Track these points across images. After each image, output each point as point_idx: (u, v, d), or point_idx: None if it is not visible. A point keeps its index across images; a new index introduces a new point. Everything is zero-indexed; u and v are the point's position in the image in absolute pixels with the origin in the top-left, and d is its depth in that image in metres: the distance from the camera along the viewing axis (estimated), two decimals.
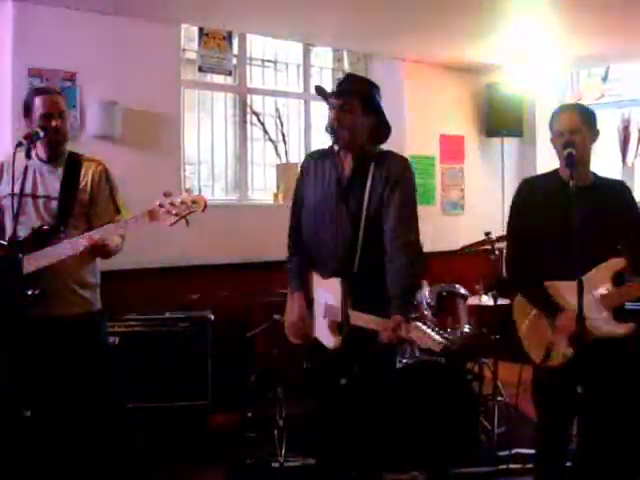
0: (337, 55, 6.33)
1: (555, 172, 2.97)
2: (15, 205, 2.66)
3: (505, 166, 6.84)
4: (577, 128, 2.77)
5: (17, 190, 2.71)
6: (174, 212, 2.62)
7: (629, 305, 2.88)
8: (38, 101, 2.91)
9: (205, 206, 2.65)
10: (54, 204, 2.93)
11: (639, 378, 3.02)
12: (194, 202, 2.62)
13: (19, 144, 2.74)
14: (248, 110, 5.60)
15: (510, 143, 6.90)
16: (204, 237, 4.58)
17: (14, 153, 2.77)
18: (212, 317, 4.38)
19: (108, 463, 3.00)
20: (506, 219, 3.09)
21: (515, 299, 2.98)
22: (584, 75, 6.85)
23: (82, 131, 4.62)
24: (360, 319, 2.55)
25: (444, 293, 4.43)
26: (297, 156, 5.94)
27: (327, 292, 2.70)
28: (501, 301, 4.25)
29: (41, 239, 2.84)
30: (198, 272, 4.94)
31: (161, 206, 2.64)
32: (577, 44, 5.67)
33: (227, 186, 5.73)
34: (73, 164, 3.01)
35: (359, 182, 2.73)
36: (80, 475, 3.11)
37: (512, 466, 3.74)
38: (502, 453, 3.90)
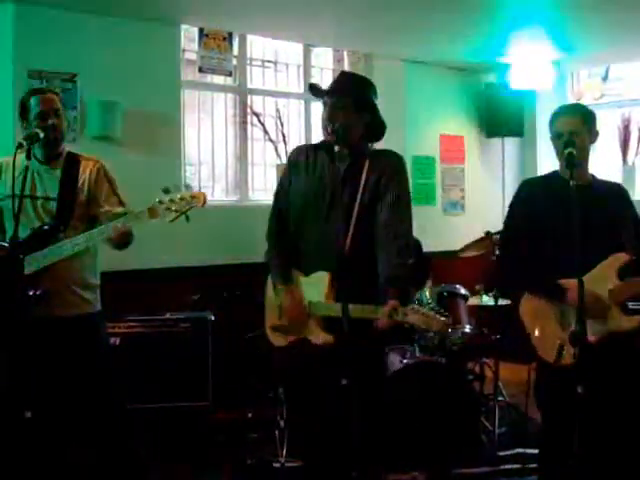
0: (337, 55, 6.32)
1: (555, 173, 2.99)
2: (15, 206, 2.66)
3: (505, 166, 6.83)
4: (576, 130, 2.79)
5: (17, 191, 2.72)
6: (174, 208, 2.62)
7: (632, 304, 2.87)
8: (33, 101, 2.92)
9: (205, 201, 2.65)
10: (53, 205, 2.93)
11: None
12: (194, 197, 2.62)
13: (19, 145, 2.75)
14: (248, 111, 5.59)
15: (510, 143, 6.90)
16: (205, 237, 4.59)
17: (14, 154, 2.77)
18: (212, 318, 4.38)
19: (108, 464, 3.00)
20: None
21: (522, 300, 2.91)
22: (584, 75, 6.85)
23: (82, 132, 4.63)
24: (352, 311, 2.52)
25: (445, 293, 4.43)
26: None
27: (312, 289, 2.72)
28: (502, 301, 4.24)
29: (41, 239, 2.84)
30: (198, 272, 4.95)
31: (161, 202, 2.65)
32: (578, 43, 5.67)
33: (227, 186, 5.73)
34: (71, 164, 3.01)
35: (353, 178, 2.73)
36: (80, 476, 3.10)
37: (513, 466, 3.74)
38: (503, 453, 3.91)
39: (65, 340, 2.88)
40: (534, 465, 3.38)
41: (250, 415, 4.38)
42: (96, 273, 3.09)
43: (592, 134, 2.86)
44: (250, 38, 5.67)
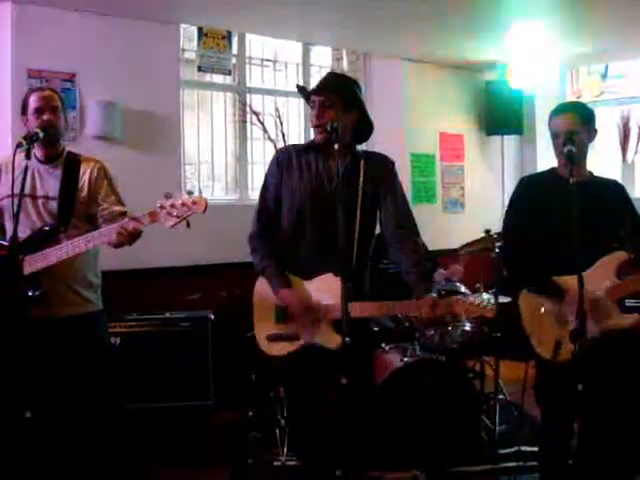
0: (336, 54, 6.32)
1: (553, 170, 3.02)
2: (14, 205, 2.66)
3: (505, 164, 6.84)
4: (574, 127, 2.82)
5: (17, 191, 2.72)
6: (175, 214, 2.61)
7: (629, 302, 2.91)
8: (32, 97, 2.95)
9: (206, 207, 2.62)
10: (53, 204, 2.94)
11: None
12: (195, 203, 2.61)
13: (19, 145, 2.74)
14: (248, 110, 5.59)
15: (510, 141, 6.90)
16: (204, 237, 4.58)
17: (14, 154, 2.77)
18: (212, 317, 4.38)
19: (108, 463, 3.00)
20: None
21: (520, 297, 2.95)
22: (584, 72, 6.85)
23: (82, 132, 4.63)
24: (380, 308, 2.55)
25: (444, 291, 4.42)
26: None
27: (319, 292, 2.67)
28: (502, 299, 4.24)
29: (41, 239, 2.84)
30: (198, 272, 4.95)
31: (162, 208, 2.63)
32: (577, 41, 5.67)
33: (227, 186, 5.73)
34: (72, 164, 3.01)
35: (351, 178, 2.72)
36: (80, 475, 3.10)
37: (513, 464, 3.75)
38: (503, 451, 3.91)
39: (66, 339, 2.89)
40: (534, 463, 3.38)
41: (251, 414, 4.37)
42: (97, 272, 3.09)
43: (590, 132, 2.88)
44: (249, 37, 5.67)
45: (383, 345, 4.01)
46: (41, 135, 2.82)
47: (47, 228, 2.88)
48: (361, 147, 2.94)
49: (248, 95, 5.67)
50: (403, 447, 3.63)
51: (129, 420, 3.13)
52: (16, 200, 2.66)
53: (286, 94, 5.94)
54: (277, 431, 4.02)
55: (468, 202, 6.75)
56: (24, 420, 2.74)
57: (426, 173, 6.45)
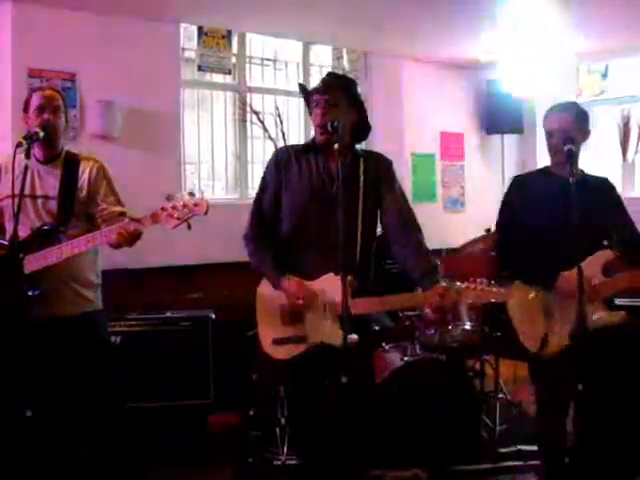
0: (336, 53, 6.32)
1: (545, 169, 3.08)
2: (15, 205, 2.67)
3: (505, 163, 6.83)
4: (567, 127, 2.87)
5: (17, 190, 2.72)
6: (176, 215, 2.61)
7: (618, 300, 3.05)
8: (34, 96, 2.95)
9: (207, 209, 2.61)
10: (53, 204, 2.94)
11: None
12: (196, 205, 2.60)
13: (19, 144, 2.75)
14: (248, 109, 5.59)
15: (510, 140, 6.89)
16: (205, 236, 4.57)
17: (14, 153, 2.77)
18: (213, 316, 4.38)
19: (108, 462, 3.00)
20: None
21: (513, 288, 2.95)
22: (584, 71, 6.84)
23: (82, 131, 4.63)
24: (385, 303, 2.58)
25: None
26: None
27: (324, 291, 2.67)
28: None
29: (42, 239, 2.84)
30: (199, 271, 4.95)
31: (163, 209, 2.63)
32: (577, 40, 5.66)
33: (227, 185, 5.74)
34: (71, 163, 3.01)
35: (351, 178, 2.73)
36: (81, 475, 3.11)
37: (513, 463, 3.75)
38: (503, 450, 3.91)
39: (66, 339, 2.89)
40: (534, 462, 3.39)
41: (251, 413, 4.38)
42: (97, 271, 3.09)
43: (583, 133, 2.92)
44: (249, 36, 5.67)
45: (383, 344, 4.02)
46: (41, 135, 2.82)
47: (47, 227, 2.88)
48: (359, 146, 2.94)
49: (248, 94, 5.67)
50: (404, 446, 3.63)
51: (129, 419, 3.13)
52: (16, 200, 2.67)
53: (286, 93, 5.94)
54: (277, 430, 4.02)
55: (468, 201, 6.75)
56: (24, 419, 2.74)
57: (426, 172, 6.45)
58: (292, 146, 2.97)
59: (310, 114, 2.84)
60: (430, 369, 3.81)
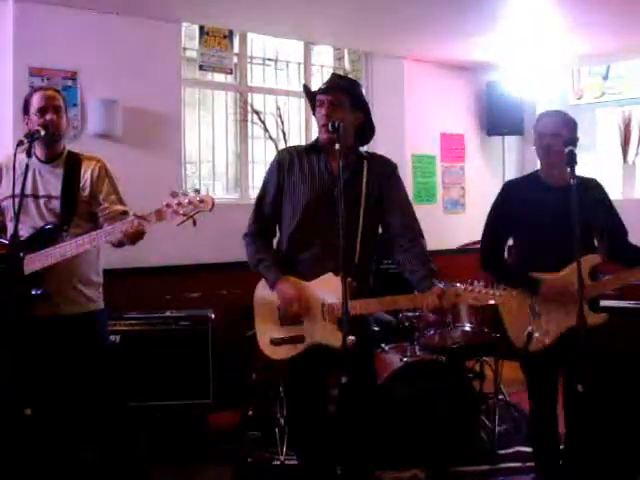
0: (338, 53, 6.33)
1: (535, 173, 3.20)
2: (16, 205, 2.67)
3: (506, 165, 6.82)
4: (557, 131, 2.98)
5: (18, 190, 2.72)
6: (181, 212, 2.62)
7: (603, 302, 3.21)
8: (35, 97, 2.95)
9: (213, 205, 2.61)
10: (55, 203, 2.94)
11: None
12: (201, 201, 2.60)
13: (20, 143, 2.75)
14: (249, 109, 5.59)
15: (511, 141, 6.89)
16: (205, 236, 4.57)
17: (15, 152, 2.77)
18: (213, 316, 4.38)
19: (109, 462, 3.00)
20: None
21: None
22: (585, 73, 6.84)
23: (83, 130, 4.63)
24: (383, 303, 2.59)
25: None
26: None
27: (321, 292, 2.67)
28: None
29: (44, 238, 2.84)
30: (199, 270, 4.94)
31: (168, 206, 2.63)
32: (578, 42, 5.67)
33: (228, 185, 5.74)
34: (73, 163, 3.01)
35: (355, 179, 2.73)
36: (81, 474, 3.11)
37: (513, 464, 3.75)
38: (503, 451, 3.92)
39: (68, 337, 2.90)
40: (533, 463, 3.39)
41: (250, 413, 4.38)
42: (99, 270, 3.10)
43: (571, 139, 2.97)
44: (250, 36, 5.67)
45: (383, 345, 4.02)
46: (42, 133, 2.82)
47: (49, 227, 2.88)
48: (363, 149, 2.94)
49: (249, 94, 5.67)
50: (403, 447, 3.63)
51: (129, 418, 3.13)
52: (17, 199, 2.67)
53: (287, 93, 5.94)
54: (277, 430, 4.02)
55: (469, 203, 6.75)
56: (24, 418, 2.74)
57: (427, 173, 6.44)
58: (295, 147, 2.97)
59: (314, 114, 2.85)
60: (430, 370, 3.81)
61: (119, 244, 2.81)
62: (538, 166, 3.23)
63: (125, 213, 2.93)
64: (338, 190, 2.54)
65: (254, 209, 2.89)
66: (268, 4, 4.67)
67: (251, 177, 5.69)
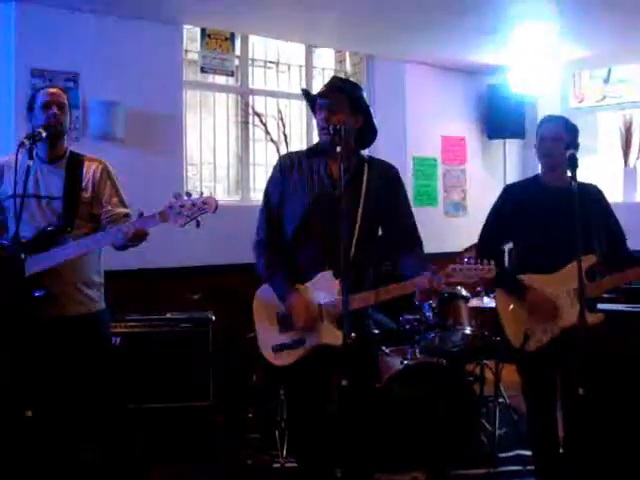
0: (339, 56, 6.33)
1: (536, 177, 3.26)
2: (17, 205, 2.67)
3: (507, 168, 6.83)
4: (559, 135, 3.05)
5: (19, 191, 2.73)
6: (185, 213, 2.61)
7: (600, 306, 3.27)
8: (40, 92, 2.97)
9: (216, 207, 2.60)
10: (57, 204, 2.94)
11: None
12: (205, 203, 2.60)
13: (21, 144, 2.75)
14: (250, 111, 5.60)
15: (512, 145, 6.90)
16: (206, 238, 4.58)
17: (16, 153, 2.77)
18: (213, 318, 4.38)
19: (109, 463, 3.00)
20: None
21: (497, 295, 3.25)
22: (586, 76, 6.85)
23: (84, 131, 4.63)
24: (377, 295, 2.61)
25: (445, 295, 4.42)
26: None
27: (319, 293, 2.67)
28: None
29: (47, 240, 2.84)
30: (200, 273, 4.95)
31: (171, 207, 2.63)
32: (579, 45, 5.67)
33: (229, 187, 5.74)
34: (75, 164, 3.01)
35: (355, 182, 2.72)
36: (81, 475, 3.10)
37: (513, 468, 3.75)
38: (503, 454, 3.91)
39: (70, 338, 2.89)
40: (534, 467, 3.39)
41: (250, 415, 4.38)
42: (100, 271, 3.10)
43: (572, 144, 3.02)
44: (252, 38, 5.68)
45: (384, 348, 4.02)
46: (44, 135, 2.83)
47: (52, 228, 2.88)
48: (364, 152, 2.93)
49: (251, 96, 5.67)
50: (403, 449, 3.63)
51: (129, 419, 3.13)
52: (18, 200, 2.67)
53: (288, 96, 5.94)
54: (276, 432, 4.02)
55: (470, 206, 6.75)
56: (25, 419, 2.74)
57: (428, 176, 6.45)
58: (296, 152, 2.97)
59: (315, 116, 2.84)
60: (430, 373, 3.81)
61: (123, 247, 2.82)
62: (539, 170, 3.25)
63: (127, 216, 2.93)
64: (339, 192, 2.54)
65: (260, 218, 2.86)
66: (270, 7, 4.68)
67: (252, 179, 5.69)
